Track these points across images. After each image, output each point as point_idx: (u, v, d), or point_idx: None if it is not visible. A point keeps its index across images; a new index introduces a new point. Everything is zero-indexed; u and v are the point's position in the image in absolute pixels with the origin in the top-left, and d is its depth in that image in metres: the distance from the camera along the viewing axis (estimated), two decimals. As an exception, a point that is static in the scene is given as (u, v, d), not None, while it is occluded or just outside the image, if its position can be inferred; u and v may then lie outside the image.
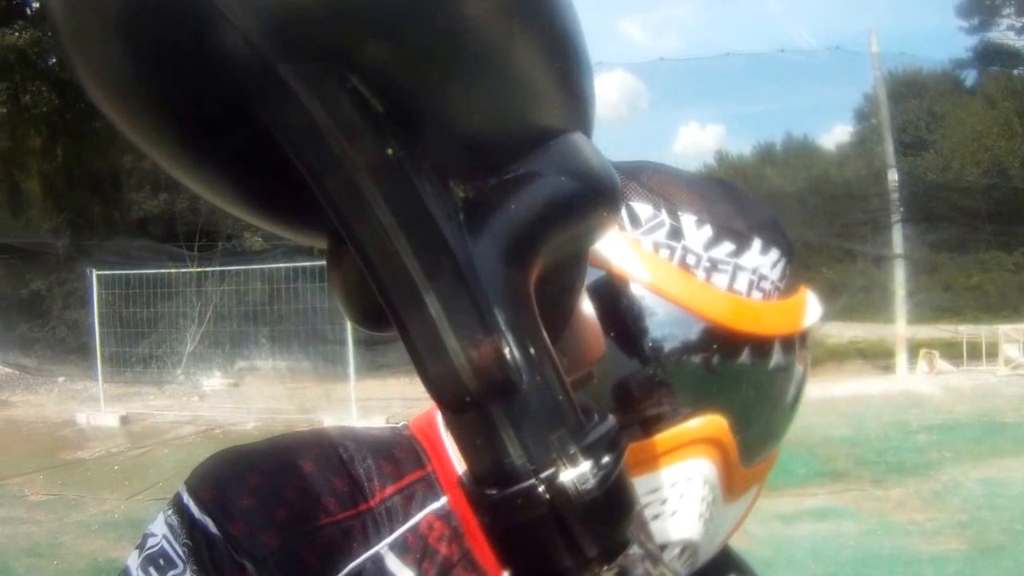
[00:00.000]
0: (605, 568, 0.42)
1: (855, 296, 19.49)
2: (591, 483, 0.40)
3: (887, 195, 17.05)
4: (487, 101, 0.42)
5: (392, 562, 0.65)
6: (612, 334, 0.67)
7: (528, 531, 0.41)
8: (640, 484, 0.66)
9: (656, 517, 0.68)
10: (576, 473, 0.40)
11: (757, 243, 0.72)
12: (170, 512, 0.66)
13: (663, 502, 0.68)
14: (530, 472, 0.40)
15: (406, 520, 0.67)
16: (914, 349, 15.73)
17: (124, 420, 11.93)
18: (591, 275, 0.65)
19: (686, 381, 0.69)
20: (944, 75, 32.07)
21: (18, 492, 8.13)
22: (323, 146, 0.39)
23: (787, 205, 19.96)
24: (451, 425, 0.42)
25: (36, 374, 15.76)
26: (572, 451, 0.41)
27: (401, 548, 0.66)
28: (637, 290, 0.69)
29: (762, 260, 0.72)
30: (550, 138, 0.45)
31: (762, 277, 0.72)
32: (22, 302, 17.21)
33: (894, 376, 15.00)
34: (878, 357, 16.47)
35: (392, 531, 0.67)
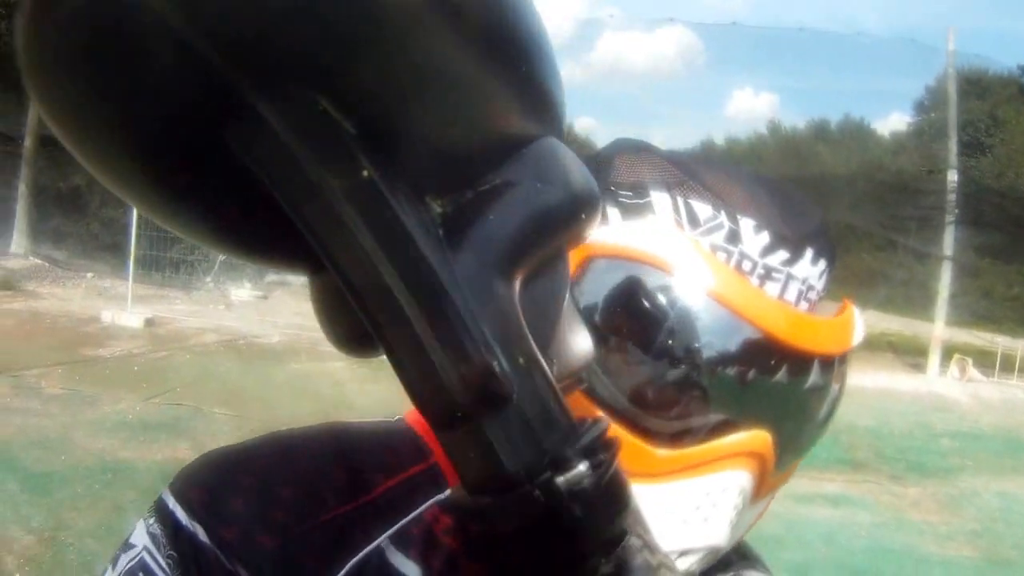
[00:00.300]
0: (603, 561, 0.43)
1: (893, 288, 19.29)
2: (586, 483, 0.41)
3: (943, 194, 16.75)
4: (457, 113, 0.42)
5: (394, 555, 0.64)
6: (659, 336, 0.66)
7: (525, 536, 0.42)
8: (675, 490, 0.67)
9: (686, 522, 0.67)
10: (571, 475, 0.41)
11: (809, 252, 0.71)
12: (152, 521, 0.62)
13: (696, 508, 0.67)
14: (524, 478, 0.41)
15: (408, 512, 0.66)
16: (947, 352, 15.62)
17: (149, 322, 11.99)
18: (647, 275, 0.67)
19: (733, 391, 0.68)
20: (1010, 80, 31.61)
21: (35, 384, 8.19)
22: (299, 173, 0.38)
23: (836, 187, 19.76)
24: (443, 441, 0.42)
25: (65, 268, 15.97)
26: (566, 455, 0.41)
27: (403, 541, 0.64)
28: (691, 292, 0.67)
29: (812, 271, 0.72)
30: (523, 145, 0.45)
31: (810, 288, 0.72)
32: (60, 196, 17.36)
33: (924, 376, 14.89)
34: (909, 354, 16.37)
35: (394, 523, 0.65)
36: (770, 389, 0.69)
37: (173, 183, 0.43)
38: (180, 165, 0.41)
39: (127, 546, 0.62)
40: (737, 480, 0.68)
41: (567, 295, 0.52)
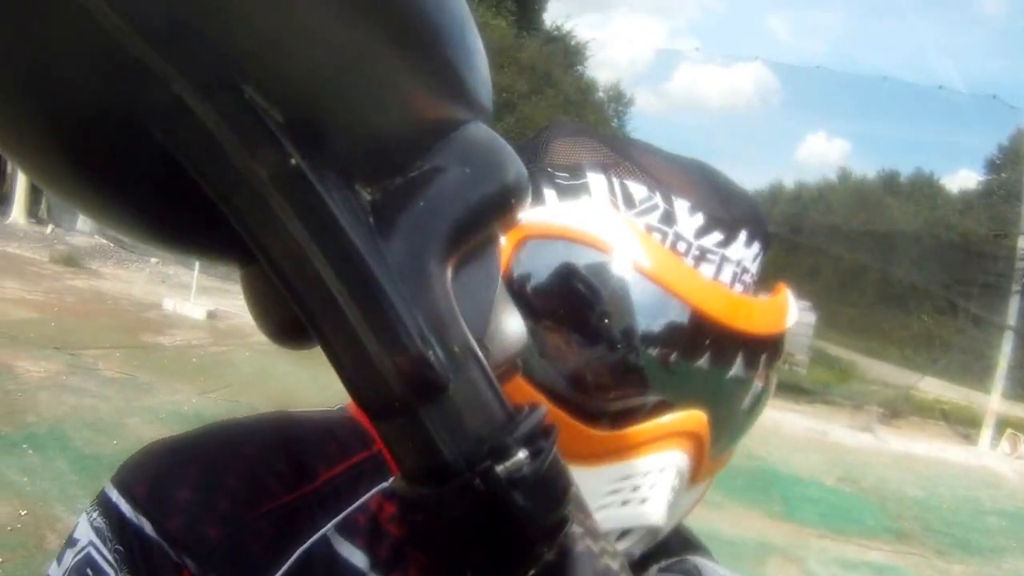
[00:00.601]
0: (546, 549, 0.43)
1: (951, 354, 18.91)
2: (526, 470, 0.41)
3: (1011, 260, 16.34)
4: (381, 100, 0.42)
5: (340, 544, 0.63)
6: (595, 317, 0.67)
7: (467, 524, 0.41)
8: (613, 471, 0.68)
9: (625, 503, 0.68)
10: (510, 463, 0.41)
11: (743, 235, 0.72)
12: (95, 515, 0.61)
13: (634, 489, 0.68)
14: (463, 467, 0.40)
15: (353, 500, 0.65)
16: (1001, 425, 15.17)
17: (211, 315, 12.04)
18: (582, 255, 0.67)
19: (667, 372, 0.68)
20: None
21: (92, 365, 8.23)
22: (225, 162, 0.38)
23: (902, 242, 19.53)
24: (381, 431, 0.42)
25: (130, 250, 16.14)
26: (505, 442, 0.41)
27: (349, 529, 0.64)
28: (627, 272, 0.67)
29: (746, 253, 0.72)
30: (451, 130, 0.45)
31: (744, 270, 0.72)
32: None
33: (975, 448, 14.45)
34: (962, 424, 15.98)
35: (339, 512, 0.64)
36: (705, 369, 0.69)
37: (98, 176, 0.42)
38: (104, 157, 0.41)
39: (71, 541, 0.61)
40: (674, 460, 0.69)
41: (499, 280, 0.52)
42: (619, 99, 33.12)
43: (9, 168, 20.19)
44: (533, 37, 24.55)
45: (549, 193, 0.72)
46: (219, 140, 0.38)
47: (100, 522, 0.60)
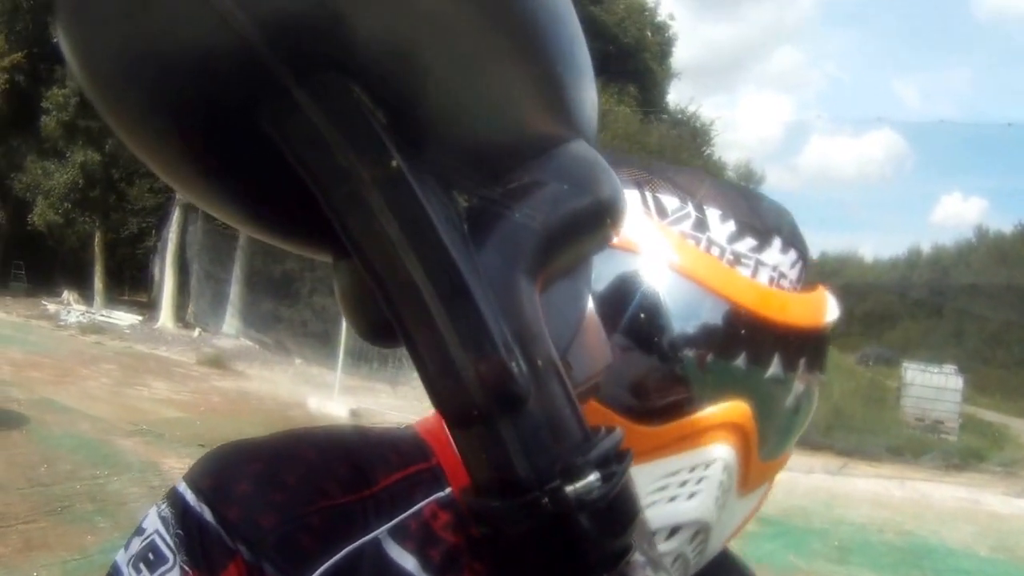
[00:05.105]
0: (607, 575, 0.42)
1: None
2: (595, 494, 0.41)
3: None
4: (488, 109, 0.42)
5: (391, 547, 0.62)
6: (637, 317, 0.67)
7: (530, 542, 0.42)
8: (661, 466, 0.67)
9: (672, 499, 0.68)
10: (581, 485, 0.41)
11: (777, 242, 0.72)
12: (164, 505, 0.62)
13: (682, 484, 0.68)
14: (535, 484, 0.41)
15: (408, 507, 0.64)
16: None
17: (354, 413, 12.14)
18: (624, 261, 0.67)
19: (709, 367, 0.68)
20: None
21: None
22: (330, 158, 0.39)
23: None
24: (457, 438, 0.43)
25: (275, 351, 16.56)
26: (578, 463, 0.41)
27: (402, 534, 0.63)
28: (664, 274, 0.68)
29: (782, 259, 0.72)
30: (552, 146, 0.46)
31: (782, 275, 0.72)
32: (273, 280, 18.13)
33: None
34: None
35: (392, 517, 0.63)
36: (743, 368, 0.68)
37: (204, 160, 0.44)
38: (213, 142, 0.42)
39: (139, 531, 0.62)
40: (720, 453, 0.68)
41: (588, 299, 0.52)
42: (750, 177, 32.52)
43: (157, 275, 21.16)
44: (658, 122, 24.40)
45: None
46: (324, 137, 0.39)
47: (167, 512, 0.61)
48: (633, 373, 0.68)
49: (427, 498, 0.66)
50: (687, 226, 0.71)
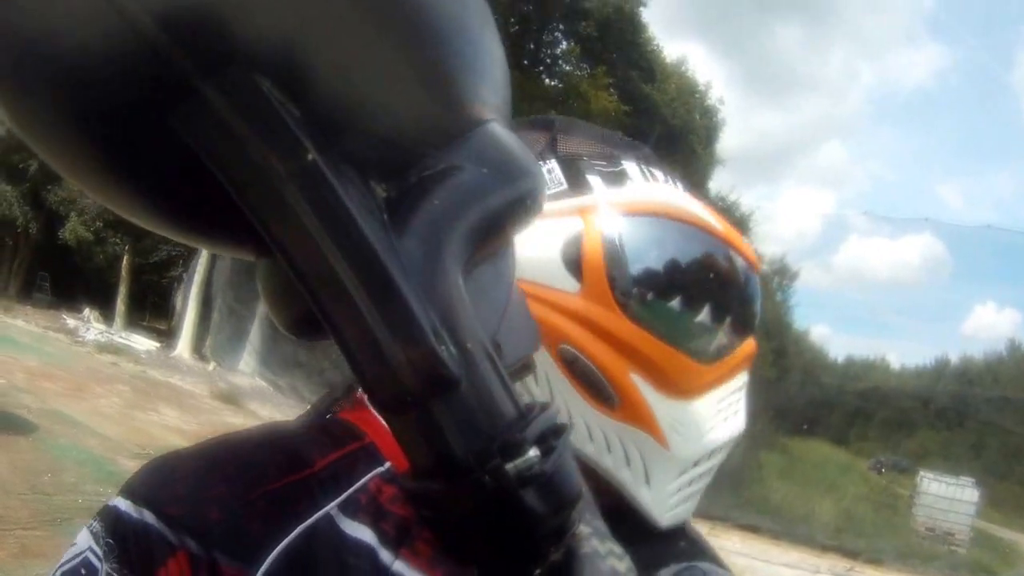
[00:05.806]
0: (553, 548, 0.43)
1: None
2: (536, 469, 0.41)
3: None
4: (398, 97, 0.43)
5: (344, 522, 0.61)
6: (702, 277, 0.78)
7: (475, 521, 0.42)
8: (718, 395, 0.80)
9: (727, 420, 0.81)
10: (520, 461, 0.41)
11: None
12: (94, 522, 0.61)
13: (731, 405, 0.82)
14: (474, 464, 0.41)
15: (352, 483, 0.64)
16: None
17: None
18: (685, 231, 0.78)
19: (748, 313, 0.84)
20: None
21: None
22: (243, 155, 0.39)
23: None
24: (392, 425, 0.44)
25: (288, 395, 16.47)
26: (516, 440, 0.42)
27: (352, 507, 0.62)
28: (715, 239, 0.81)
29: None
30: (468, 130, 0.46)
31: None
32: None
33: None
34: None
35: (339, 493, 0.63)
36: (758, 312, 0.86)
37: (117, 164, 0.43)
38: (122, 146, 0.41)
39: (70, 549, 0.60)
40: (744, 379, 0.84)
41: (513, 281, 0.53)
42: (784, 272, 32.33)
43: (179, 304, 21.24)
44: (697, 207, 24.44)
45: (594, 179, 0.79)
46: (236, 132, 0.38)
47: (97, 527, 0.59)
48: (703, 323, 0.78)
49: (368, 473, 0.66)
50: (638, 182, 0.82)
